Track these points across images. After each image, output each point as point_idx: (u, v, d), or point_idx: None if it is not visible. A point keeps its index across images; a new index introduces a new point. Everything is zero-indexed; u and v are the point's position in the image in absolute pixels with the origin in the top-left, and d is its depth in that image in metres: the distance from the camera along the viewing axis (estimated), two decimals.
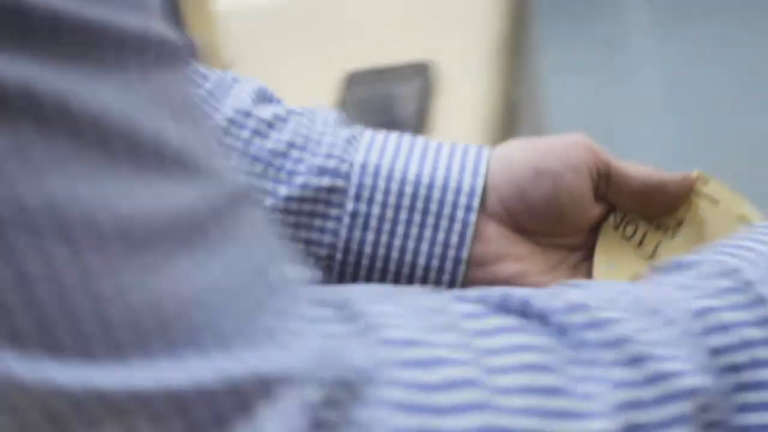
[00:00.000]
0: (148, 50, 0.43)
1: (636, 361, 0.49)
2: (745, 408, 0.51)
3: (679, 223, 0.77)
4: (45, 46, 0.40)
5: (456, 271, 0.73)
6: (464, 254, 0.72)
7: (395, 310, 0.48)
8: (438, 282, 0.73)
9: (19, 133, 0.39)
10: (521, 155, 0.73)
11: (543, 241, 0.74)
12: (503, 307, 0.50)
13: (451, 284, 0.73)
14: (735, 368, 0.51)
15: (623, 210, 0.75)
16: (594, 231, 0.75)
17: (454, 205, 0.73)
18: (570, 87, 2.97)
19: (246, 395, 0.42)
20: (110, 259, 0.40)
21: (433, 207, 0.73)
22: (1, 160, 0.39)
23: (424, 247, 0.73)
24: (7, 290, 0.39)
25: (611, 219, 0.75)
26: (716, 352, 0.51)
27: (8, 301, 0.39)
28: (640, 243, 0.77)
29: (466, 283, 0.73)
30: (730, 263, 0.55)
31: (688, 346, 0.50)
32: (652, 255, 0.77)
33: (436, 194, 0.73)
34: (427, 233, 0.73)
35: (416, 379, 0.45)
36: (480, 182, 0.73)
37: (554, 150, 0.73)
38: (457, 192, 0.72)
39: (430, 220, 0.72)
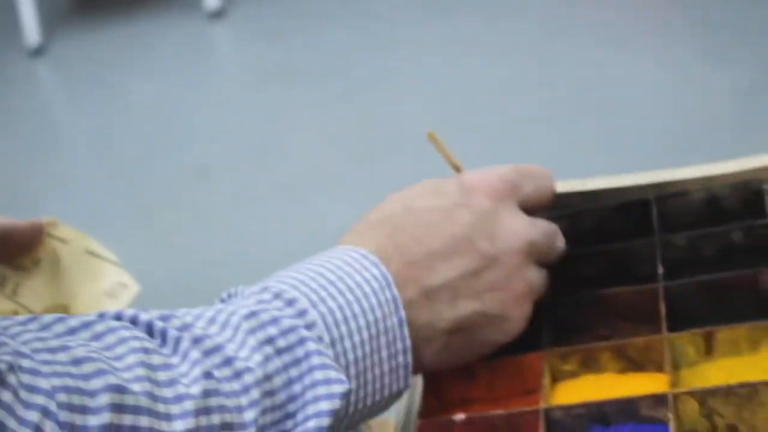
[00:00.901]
0: None
1: (210, 352, 0.66)
2: (291, 381, 0.68)
3: (36, 263, 0.91)
4: None
5: None
6: None
7: None
8: None
9: None
10: None
11: None
12: (119, 319, 0.68)
13: None
14: (281, 350, 0.68)
15: None
16: None
17: None
18: None
19: None
20: None
21: None
22: None
23: None
24: None
25: None
26: (268, 340, 0.68)
27: None
28: (2, 284, 0.90)
29: None
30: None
31: (242, 339, 0.68)
32: (14, 293, 0.90)
33: None
34: None
35: (52, 359, 0.61)
36: None
37: None
38: None
39: None
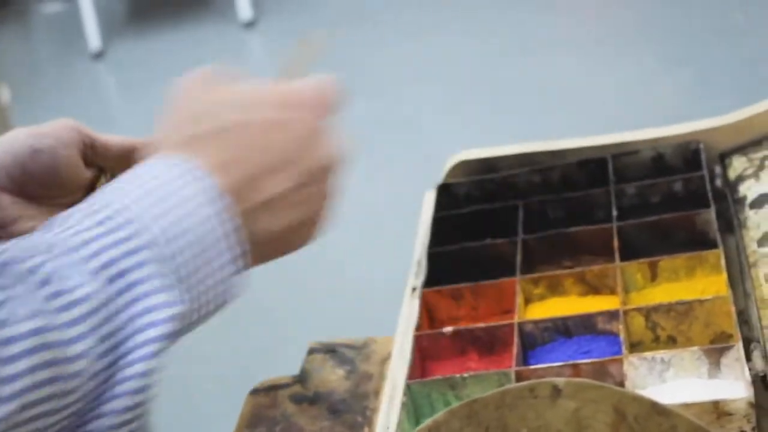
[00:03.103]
0: None
1: (44, 282, 0.58)
2: (130, 302, 0.60)
3: None
4: None
5: None
6: None
7: None
8: None
9: None
10: (21, 138, 0.79)
11: (49, 202, 0.79)
12: None
13: None
14: (114, 277, 0.59)
15: (110, 171, 0.80)
16: (90, 190, 0.79)
17: None
18: None
19: None
20: None
21: None
22: None
23: None
24: None
25: (102, 179, 0.81)
26: (105, 265, 0.59)
27: None
28: None
29: None
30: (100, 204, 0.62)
31: (76, 268, 0.59)
32: None
33: None
34: None
35: None
36: None
37: (48, 133, 0.78)
38: None
39: None
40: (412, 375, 0.81)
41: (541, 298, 0.86)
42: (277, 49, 3.69)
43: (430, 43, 3.37)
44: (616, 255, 0.85)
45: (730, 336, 0.77)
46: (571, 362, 0.77)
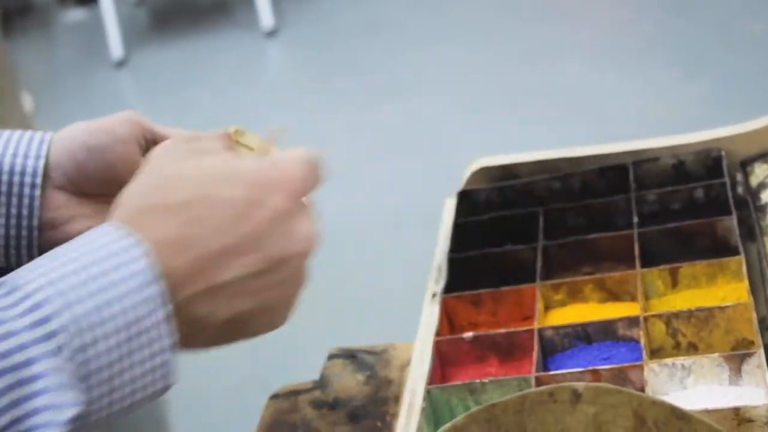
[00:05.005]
0: None
1: None
2: (16, 402, 0.52)
3: None
4: None
5: (31, 237, 0.76)
6: (35, 222, 0.75)
7: None
8: (18, 246, 0.76)
9: None
10: (78, 134, 0.76)
11: (107, 200, 0.72)
12: None
13: (29, 247, 0.76)
14: (5, 371, 0.52)
15: None
16: None
17: (21, 185, 0.75)
18: None
19: None
20: None
21: (4, 188, 0.75)
22: None
23: (1, 221, 0.76)
24: None
25: None
26: (9, 352, 0.52)
27: None
28: None
29: (43, 243, 0.75)
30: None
31: None
32: None
33: (4, 178, 0.75)
34: (2, 210, 0.76)
35: None
36: (41, 164, 0.75)
37: (104, 128, 0.76)
38: (22, 174, 0.75)
39: (3, 199, 0.76)
40: (431, 380, 0.80)
41: (561, 304, 0.86)
42: (298, 59, 3.69)
43: (448, 51, 3.37)
44: (637, 262, 0.84)
45: (751, 343, 0.77)
46: (591, 368, 0.76)
